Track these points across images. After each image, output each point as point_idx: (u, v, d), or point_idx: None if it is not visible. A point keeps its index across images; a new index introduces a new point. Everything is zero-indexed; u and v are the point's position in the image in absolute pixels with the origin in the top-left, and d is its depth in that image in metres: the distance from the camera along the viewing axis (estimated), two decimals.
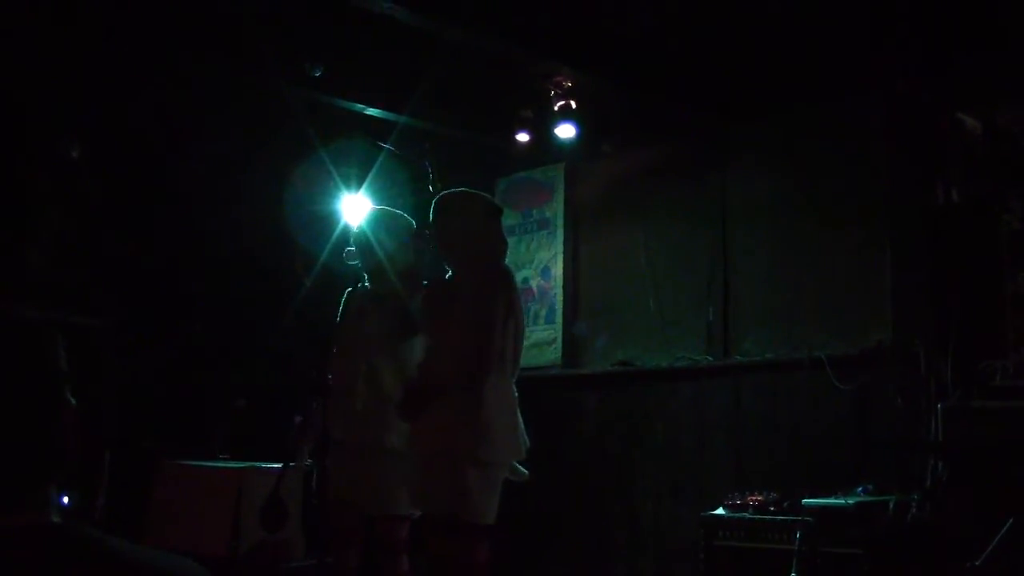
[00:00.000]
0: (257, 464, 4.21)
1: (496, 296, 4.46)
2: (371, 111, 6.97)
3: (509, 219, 8.25)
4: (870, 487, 5.50)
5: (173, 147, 6.68)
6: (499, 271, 4.56)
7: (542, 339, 7.91)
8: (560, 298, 7.87)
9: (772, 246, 6.71)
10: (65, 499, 4.66)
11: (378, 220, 5.09)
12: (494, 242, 4.70)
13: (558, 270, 7.91)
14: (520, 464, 4.61)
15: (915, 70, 5.95)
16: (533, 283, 8.04)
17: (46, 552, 1.49)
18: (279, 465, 3.99)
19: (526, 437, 4.59)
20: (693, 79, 6.57)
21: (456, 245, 4.63)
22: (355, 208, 7.34)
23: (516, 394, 4.60)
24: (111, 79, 5.97)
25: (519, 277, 8.08)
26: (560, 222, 7.97)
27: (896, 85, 6.06)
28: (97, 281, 4.96)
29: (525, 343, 7.70)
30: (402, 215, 5.12)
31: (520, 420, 4.58)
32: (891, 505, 5.24)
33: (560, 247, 7.93)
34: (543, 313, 7.94)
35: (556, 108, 6.68)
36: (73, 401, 1.61)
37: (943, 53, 5.78)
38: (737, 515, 5.68)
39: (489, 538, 4.46)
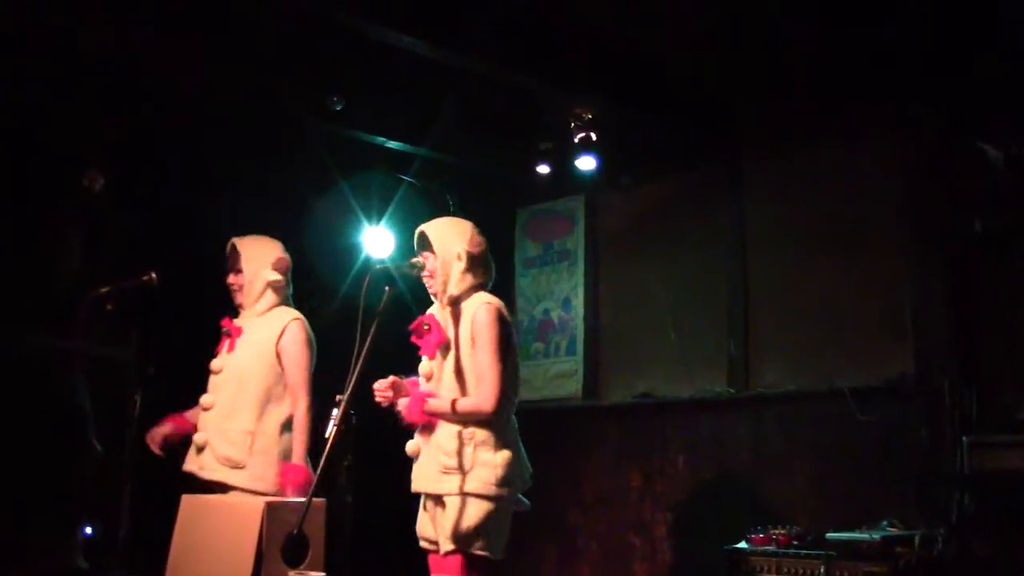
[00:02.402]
0: (279, 498, 4.20)
1: (495, 336, 4.47)
2: (392, 144, 6.98)
3: (530, 251, 8.27)
4: (895, 521, 5.46)
5: (196, 180, 6.71)
6: (493, 309, 4.54)
7: (563, 370, 7.89)
8: (581, 329, 7.85)
9: (793, 277, 6.68)
10: (89, 530, 4.67)
11: None
12: (482, 276, 4.69)
13: (579, 301, 7.89)
14: (525, 495, 4.65)
15: (935, 99, 5.94)
16: (554, 314, 8.03)
17: None
18: (302, 499, 3.99)
19: (529, 466, 4.63)
20: (713, 111, 6.57)
21: (444, 277, 4.63)
22: (377, 240, 7.37)
23: (516, 424, 4.63)
24: (135, 112, 6.00)
25: (540, 308, 8.09)
26: (581, 253, 7.95)
27: (916, 115, 6.06)
28: (119, 312, 4.97)
29: (546, 375, 7.80)
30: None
31: (523, 451, 4.61)
32: (917, 540, 5.19)
33: (581, 278, 7.91)
34: (564, 344, 7.93)
35: (576, 140, 6.68)
36: (99, 448, 1.62)
37: (964, 82, 5.77)
38: (760, 549, 5.63)
39: (496, 572, 4.48)
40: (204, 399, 5.04)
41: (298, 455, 4.95)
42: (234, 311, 5.28)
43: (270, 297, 5.21)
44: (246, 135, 6.61)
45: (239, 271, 5.22)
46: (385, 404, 4.52)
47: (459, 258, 4.59)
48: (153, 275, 5.10)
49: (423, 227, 4.71)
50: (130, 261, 5.13)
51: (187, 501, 4.45)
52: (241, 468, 4.89)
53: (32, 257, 5.78)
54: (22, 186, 5.72)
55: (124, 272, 5.04)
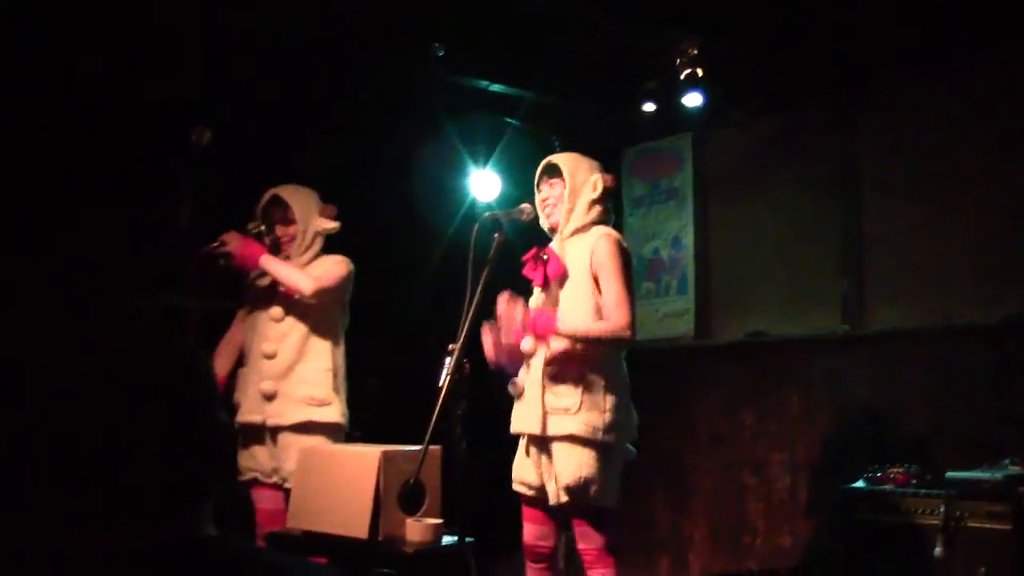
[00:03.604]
0: (396, 446, 4.24)
1: (619, 264, 4.44)
2: (496, 87, 6.95)
3: (637, 190, 8.21)
4: (1017, 460, 5.33)
5: (301, 131, 6.76)
6: (614, 239, 4.52)
7: (674, 310, 7.84)
8: (691, 268, 7.79)
9: (908, 212, 6.53)
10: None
11: None
12: (606, 213, 4.66)
13: (688, 240, 7.82)
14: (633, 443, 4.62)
15: None
16: (663, 254, 7.97)
17: (205, 565, 1.52)
18: (418, 447, 4.02)
19: (636, 415, 4.59)
20: (823, 42, 6.42)
21: (571, 206, 4.59)
22: (483, 184, 7.37)
23: (626, 371, 4.59)
24: (240, 65, 6.05)
25: (649, 248, 8.03)
26: (689, 192, 7.86)
27: None
28: (228, 266, 5.04)
29: (657, 314, 7.76)
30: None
31: (630, 400, 4.57)
32: None
33: (690, 217, 7.83)
34: (674, 284, 7.87)
35: (682, 77, 6.59)
36: (225, 416, 1.64)
37: None
38: (878, 488, 5.56)
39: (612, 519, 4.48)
40: (265, 347, 5.03)
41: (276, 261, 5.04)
42: None
43: (318, 246, 5.17)
44: (350, 83, 6.63)
45: (291, 222, 5.12)
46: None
47: (594, 188, 4.57)
48: (262, 227, 5.15)
49: (553, 158, 4.68)
50: (237, 215, 5.19)
51: (304, 452, 4.52)
52: (328, 405, 5.00)
53: (142, 216, 5.88)
54: (129, 145, 5.81)
55: (231, 226, 5.09)
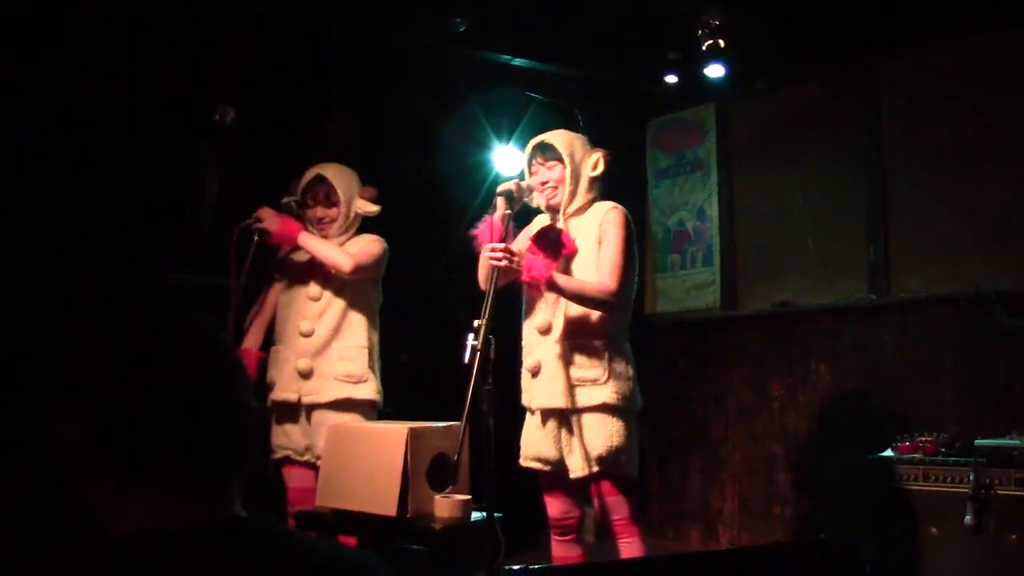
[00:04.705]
0: (424, 422, 4.25)
1: (622, 235, 4.45)
2: (517, 61, 6.93)
3: (661, 162, 8.18)
4: None
5: (326, 109, 6.76)
6: (622, 212, 4.52)
7: (700, 281, 7.83)
8: (717, 239, 7.77)
9: (934, 180, 6.49)
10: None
11: None
12: (599, 188, 4.66)
13: (713, 211, 7.80)
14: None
15: None
16: (689, 225, 7.95)
17: (234, 545, 1.53)
18: (445, 424, 4.04)
19: None
20: (847, 12, 6.37)
21: (573, 187, 4.58)
22: (507, 159, 7.36)
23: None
24: (263, 42, 6.05)
25: (674, 219, 8.01)
26: (713, 163, 7.84)
27: None
28: (265, 243, 5.05)
29: (684, 286, 7.75)
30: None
31: None
32: None
33: (715, 188, 7.80)
34: (700, 255, 7.86)
35: (705, 47, 6.55)
36: (255, 403, 1.65)
37: None
38: (907, 457, 5.54)
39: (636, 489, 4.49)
40: (303, 326, 5.03)
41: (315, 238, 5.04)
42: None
43: (356, 226, 5.18)
44: (373, 60, 6.62)
45: (333, 204, 5.11)
46: (502, 266, 4.23)
47: (595, 167, 4.57)
48: (293, 202, 5.16)
49: (545, 137, 4.65)
50: (263, 193, 5.20)
51: (332, 430, 4.54)
52: (364, 382, 5.03)
53: (169, 195, 5.90)
54: (155, 125, 5.83)
55: (258, 204, 5.10)
